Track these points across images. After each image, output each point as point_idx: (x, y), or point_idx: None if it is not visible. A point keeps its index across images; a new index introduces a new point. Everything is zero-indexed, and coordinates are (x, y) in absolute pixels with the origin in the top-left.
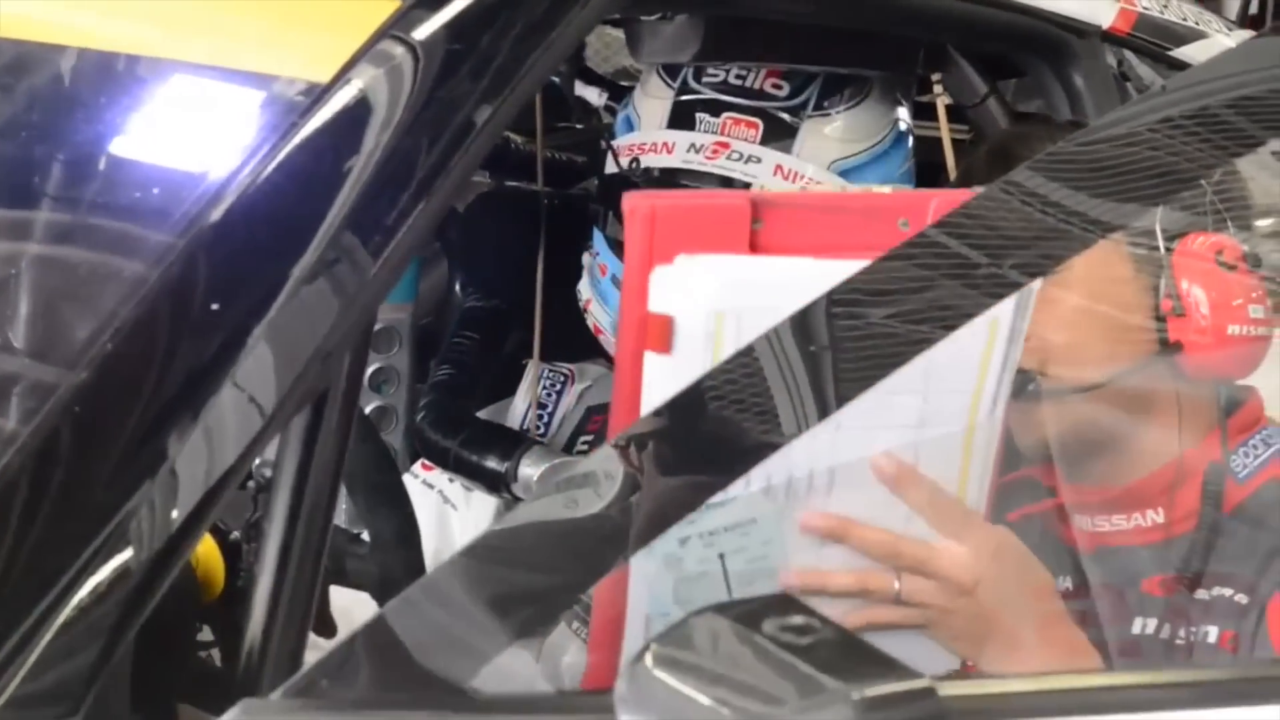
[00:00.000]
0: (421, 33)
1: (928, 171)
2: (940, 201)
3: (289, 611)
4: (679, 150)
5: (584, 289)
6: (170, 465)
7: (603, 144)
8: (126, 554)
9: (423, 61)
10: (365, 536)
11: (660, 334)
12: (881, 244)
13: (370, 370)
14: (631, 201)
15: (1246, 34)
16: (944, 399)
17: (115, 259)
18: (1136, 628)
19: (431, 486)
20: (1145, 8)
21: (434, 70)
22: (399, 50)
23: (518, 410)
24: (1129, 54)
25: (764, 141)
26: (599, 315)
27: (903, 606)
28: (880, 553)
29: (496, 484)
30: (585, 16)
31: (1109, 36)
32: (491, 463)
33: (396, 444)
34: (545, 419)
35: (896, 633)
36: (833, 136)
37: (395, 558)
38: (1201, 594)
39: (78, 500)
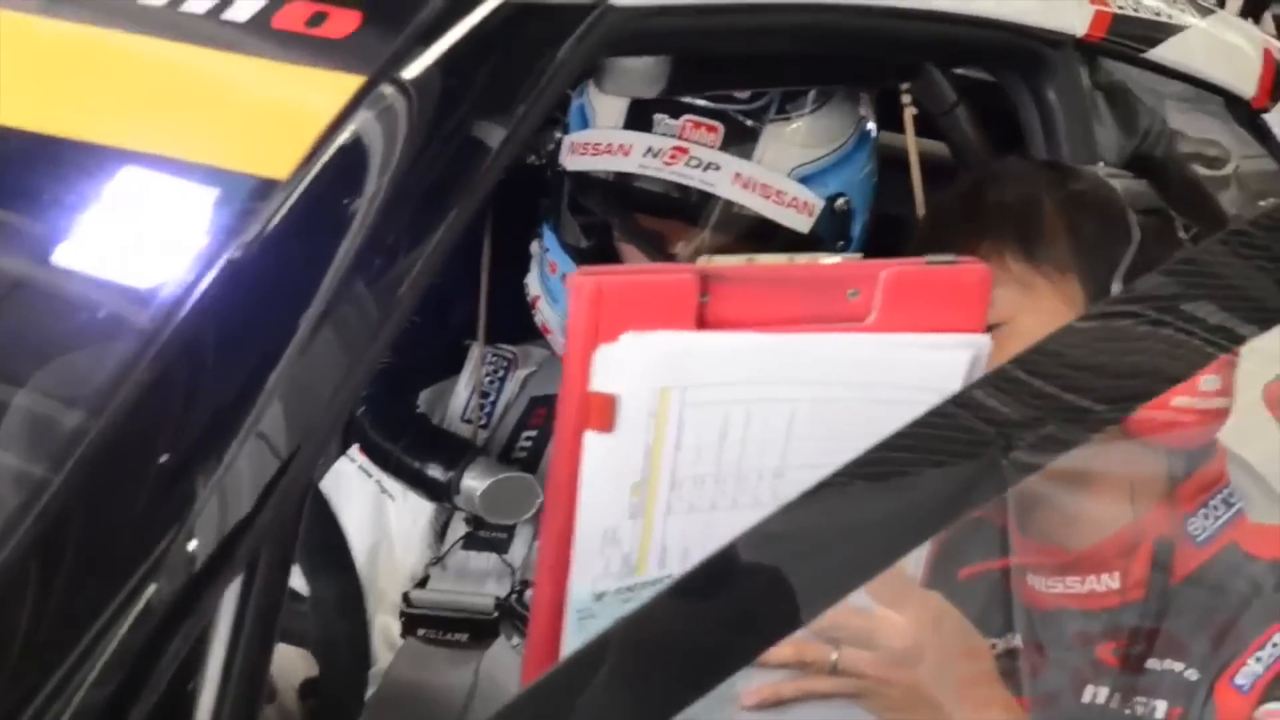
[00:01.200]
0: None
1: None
2: (891, 273)
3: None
4: (635, 153)
5: (532, 283)
6: (198, 509)
7: (557, 135)
8: (150, 589)
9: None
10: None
11: (602, 414)
12: (831, 315)
13: None
14: (576, 280)
15: (1224, 16)
16: None
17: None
18: (1087, 695)
19: (369, 475)
20: (1119, 7)
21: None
22: (391, 90)
23: (460, 398)
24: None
25: (724, 146)
26: (547, 314)
27: (839, 677)
28: (818, 624)
29: (439, 493)
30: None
31: (1083, 44)
32: (434, 471)
33: None
34: (488, 409)
35: (830, 702)
36: (795, 141)
37: (337, 622)
38: (1152, 664)
39: (107, 548)
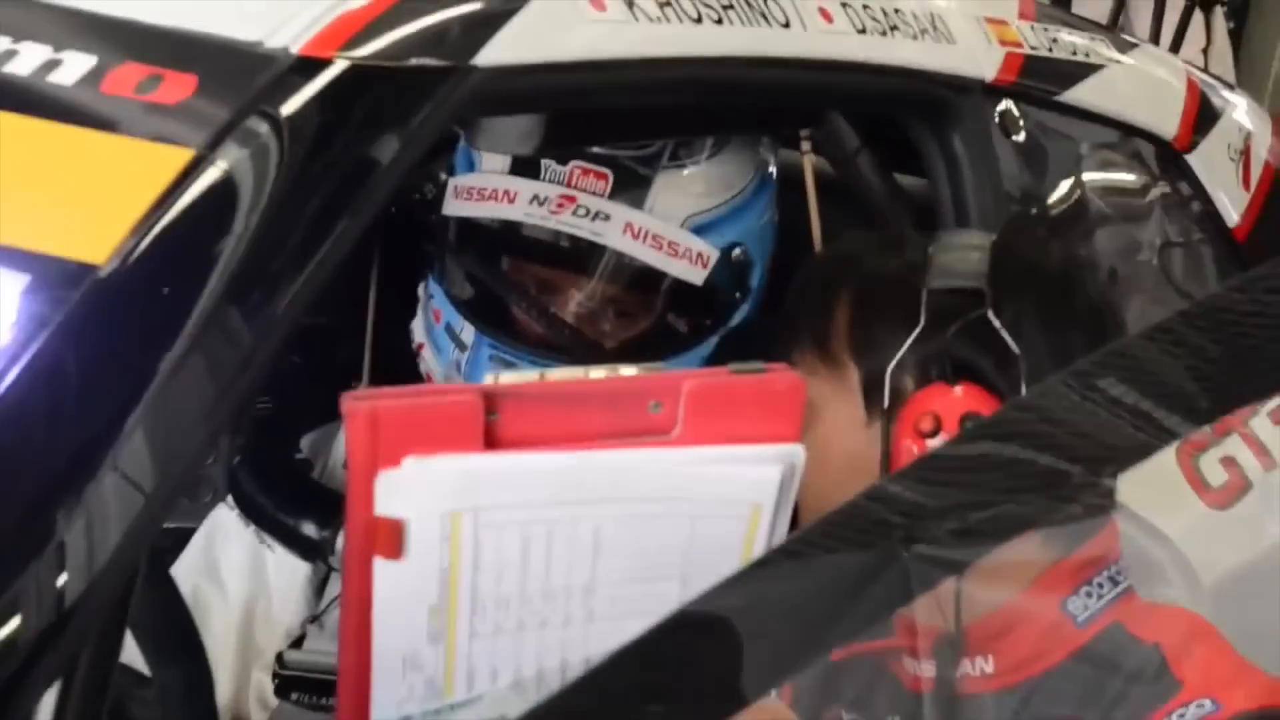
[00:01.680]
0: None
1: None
2: (694, 384)
3: None
4: (521, 201)
5: (417, 330)
6: (57, 543)
7: (442, 177)
8: (14, 623)
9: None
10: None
11: (390, 540)
12: (633, 429)
13: None
14: (350, 404)
15: (1148, 49)
16: (706, 584)
17: None
18: None
19: (248, 524)
20: (1033, 48)
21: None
22: (264, 128)
23: (342, 444)
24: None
25: (613, 195)
26: (432, 364)
27: None
28: None
29: (312, 553)
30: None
31: (993, 89)
32: (308, 529)
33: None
34: None
35: None
36: (689, 190)
37: (186, 712)
38: None
39: None
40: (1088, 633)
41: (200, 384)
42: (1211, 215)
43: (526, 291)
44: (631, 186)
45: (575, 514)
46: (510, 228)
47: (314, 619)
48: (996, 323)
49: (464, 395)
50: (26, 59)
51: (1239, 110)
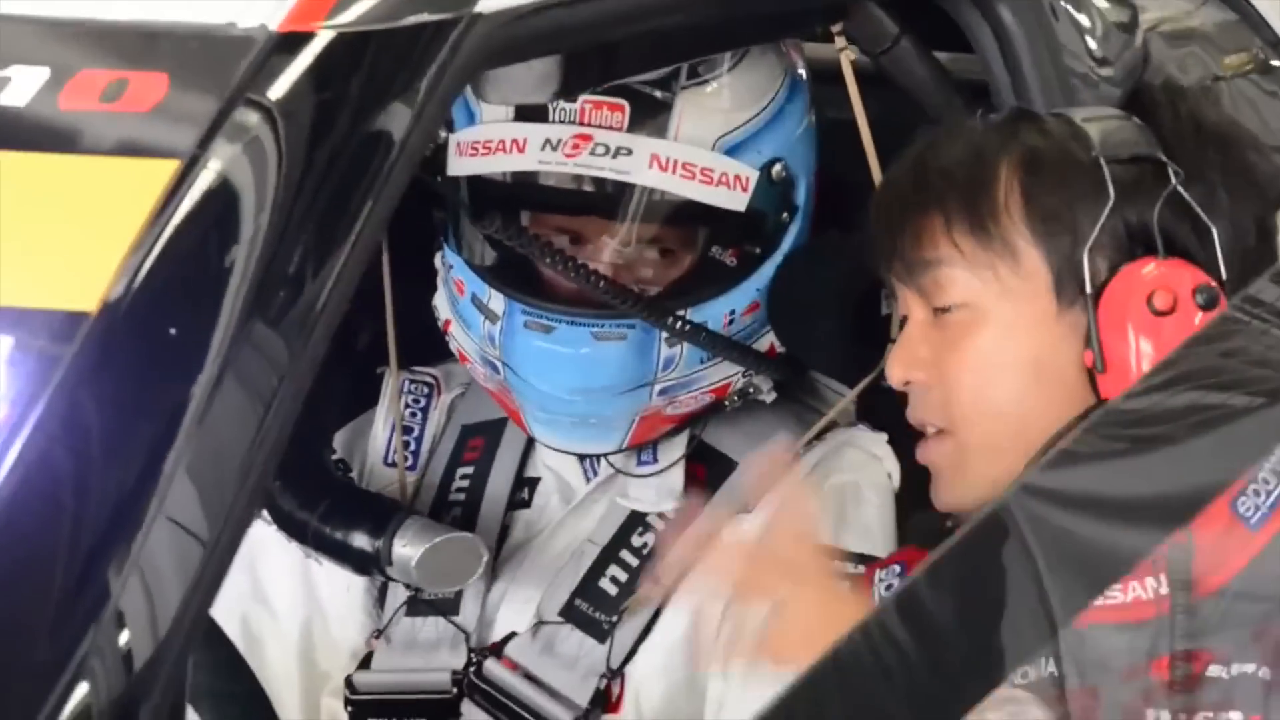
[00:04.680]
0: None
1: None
2: None
3: None
4: (532, 148)
5: (441, 306)
6: (115, 606)
7: (442, 135)
8: (82, 691)
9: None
10: None
11: None
12: None
13: None
14: None
15: None
16: None
17: None
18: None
19: (291, 539)
20: None
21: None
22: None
23: (379, 439)
24: None
25: (633, 126)
26: (463, 342)
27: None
28: None
29: (367, 566)
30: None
31: None
32: (360, 541)
33: None
34: (413, 447)
35: None
36: (715, 106)
37: None
38: (1215, 671)
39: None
40: (1263, 536)
41: (240, 409)
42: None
43: (554, 247)
44: (651, 114)
45: None
46: (525, 179)
47: (379, 633)
48: (1186, 196)
49: None
50: None
51: None
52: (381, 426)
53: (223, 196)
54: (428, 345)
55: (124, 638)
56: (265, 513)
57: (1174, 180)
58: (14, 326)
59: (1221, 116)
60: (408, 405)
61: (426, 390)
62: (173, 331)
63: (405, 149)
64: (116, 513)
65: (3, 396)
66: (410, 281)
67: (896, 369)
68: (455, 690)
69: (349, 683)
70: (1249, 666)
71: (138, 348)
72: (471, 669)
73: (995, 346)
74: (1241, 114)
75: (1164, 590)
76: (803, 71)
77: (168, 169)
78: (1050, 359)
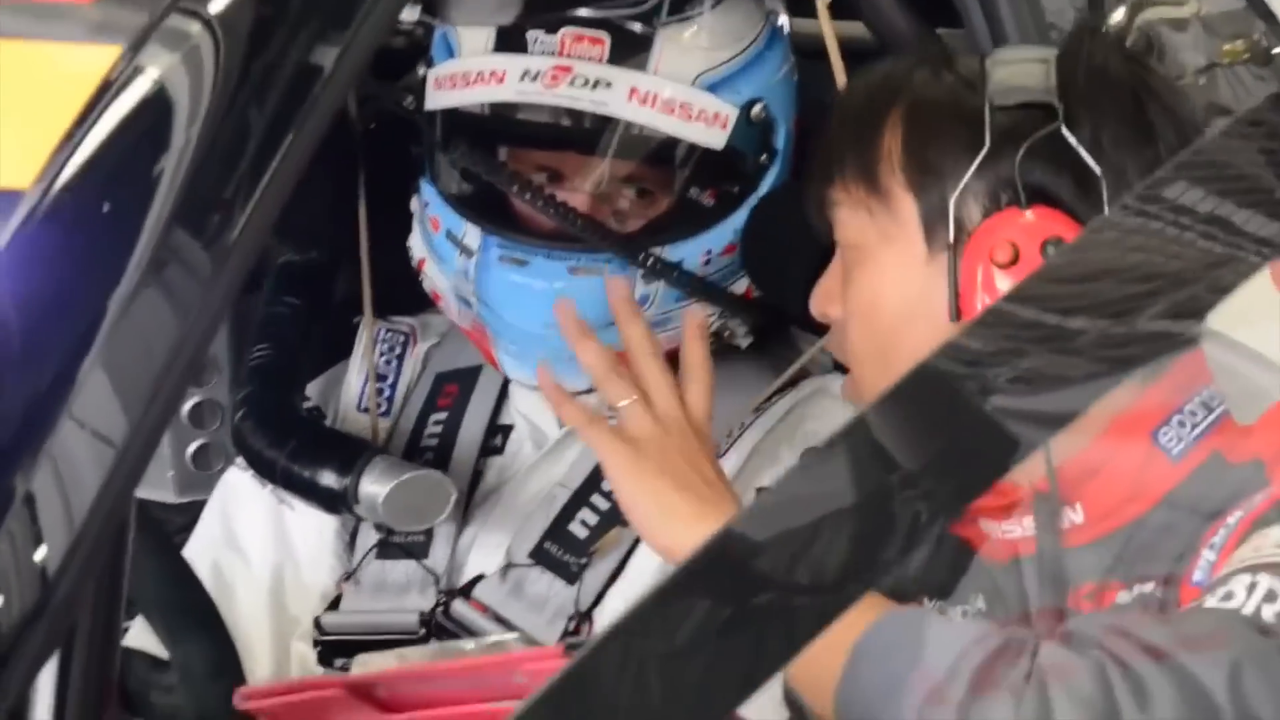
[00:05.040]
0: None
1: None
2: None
3: None
4: (510, 79)
5: (416, 245)
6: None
7: (420, 71)
8: None
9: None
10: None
11: None
12: (497, 696)
13: (187, 407)
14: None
15: None
16: None
17: None
18: None
19: (263, 484)
20: None
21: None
22: (194, 27)
23: (353, 386)
24: None
25: (613, 59)
26: (436, 279)
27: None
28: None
29: (335, 504)
30: None
31: None
32: (327, 479)
33: (222, 398)
34: (387, 393)
35: None
36: (695, 44)
37: (210, 691)
38: (1122, 597)
39: None
40: (1183, 468)
41: (160, 321)
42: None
43: (530, 182)
44: (632, 48)
45: None
46: (503, 111)
47: (348, 576)
48: (1072, 139)
49: (326, 687)
50: None
51: None
52: (355, 374)
53: (160, 93)
54: (405, 297)
55: (35, 545)
56: (238, 457)
57: (1058, 122)
58: None
59: (1134, 64)
60: (382, 354)
61: (402, 339)
62: (105, 210)
63: (340, 68)
64: (29, 409)
65: None
66: (387, 233)
67: (814, 301)
68: (423, 630)
69: (317, 624)
70: (1146, 587)
71: (69, 231)
72: (439, 609)
73: (871, 287)
74: (1239, 101)
75: (1078, 519)
76: (784, 22)
77: (109, 55)
78: (921, 305)
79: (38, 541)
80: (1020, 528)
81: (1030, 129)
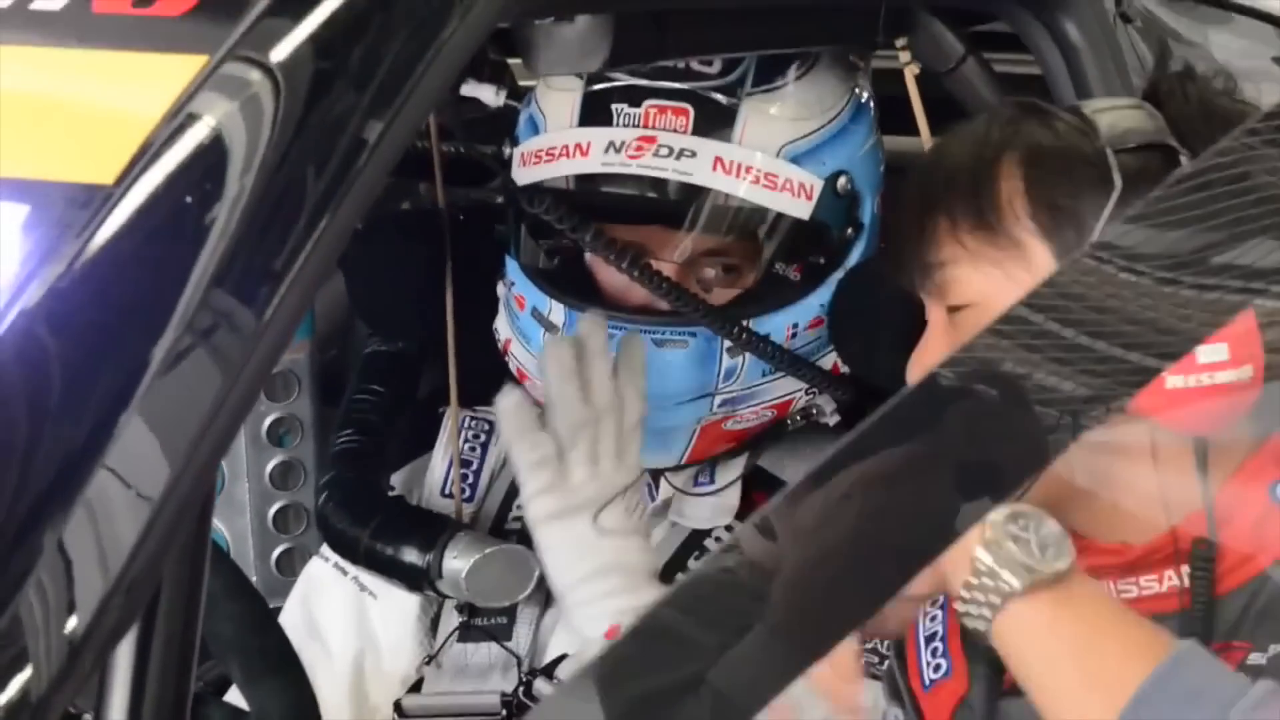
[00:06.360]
0: (279, 53)
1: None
2: None
3: None
4: (595, 151)
5: (501, 326)
6: (50, 557)
7: (505, 151)
8: (26, 674)
9: (284, 86)
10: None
11: None
12: None
13: (268, 421)
14: None
15: None
16: None
17: None
18: None
19: (345, 572)
20: None
21: (300, 94)
22: (254, 75)
23: (437, 472)
24: None
25: (697, 130)
26: (522, 357)
27: None
28: None
29: (418, 580)
30: (477, 20)
31: None
32: (410, 555)
33: (307, 503)
34: (470, 480)
35: None
36: (780, 116)
37: None
38: (1255, 659)
39: None
40: None
41: (202, 375)
42: None
43: (617, 244)
44: (716, 120)
45: None
46: (587, 184)
47: (430, 659)
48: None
49: None
50: None
51: None
52: (440, 460)
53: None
54: (491, 391)
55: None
56: (322, 545)
57: (1184, 166)
58: (35, 195)
59: (1231, 99)
60: (467, 440)
61: (487, 428)
62: (152, 260)
63: (411, 101)
64: (66, 460)
65: (17, 259)
66: (473, 327)
67: (914, 371)
68: (504, 712)
69: (397, 706)
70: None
71: (112, 278)
72: (521, 689)
73: None
74: None
75: (1177, 584)
76: (868, 95)
77: (195, 63)
78: None
79: (71, 606)
80: (1157, 584)
81: (1155, 168)
